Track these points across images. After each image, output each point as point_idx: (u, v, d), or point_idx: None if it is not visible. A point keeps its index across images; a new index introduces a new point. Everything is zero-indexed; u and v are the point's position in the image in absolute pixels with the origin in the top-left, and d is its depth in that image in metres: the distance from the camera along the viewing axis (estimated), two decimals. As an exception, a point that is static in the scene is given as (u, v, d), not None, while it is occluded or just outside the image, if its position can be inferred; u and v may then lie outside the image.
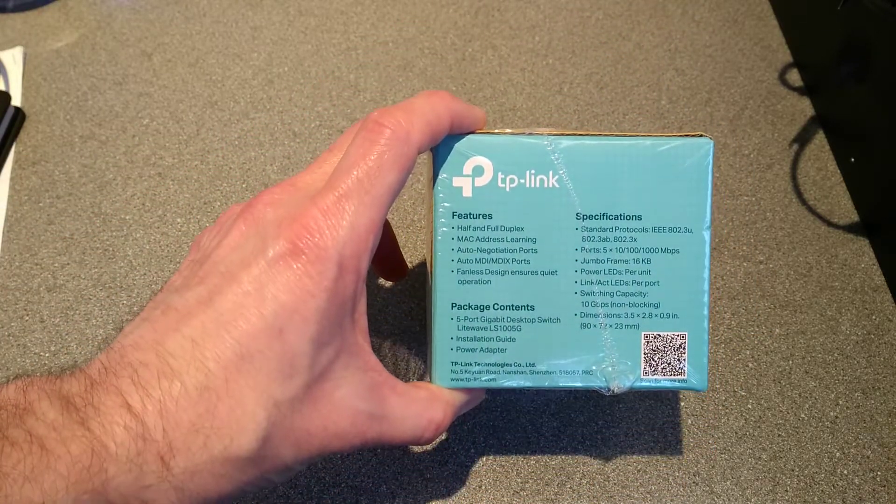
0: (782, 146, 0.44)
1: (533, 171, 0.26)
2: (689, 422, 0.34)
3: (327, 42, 0.49)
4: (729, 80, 0.47)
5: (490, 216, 0.26)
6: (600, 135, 0.26)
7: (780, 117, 0.46)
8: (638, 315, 0.26)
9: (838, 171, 0.43)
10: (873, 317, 0.38)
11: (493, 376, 0.26)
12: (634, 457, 0.33)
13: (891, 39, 0.38)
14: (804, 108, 0.46)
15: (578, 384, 0.26)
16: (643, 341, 0.26)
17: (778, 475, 0.33)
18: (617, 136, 0.26)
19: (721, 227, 0.41)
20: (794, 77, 0.47)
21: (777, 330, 0.37)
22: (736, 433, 0.34)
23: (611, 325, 0.26)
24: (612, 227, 0.26)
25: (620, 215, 0.26)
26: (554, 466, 0.33)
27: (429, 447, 0.33)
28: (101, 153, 0.43)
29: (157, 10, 0.50)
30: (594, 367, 0.26)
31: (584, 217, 0.26)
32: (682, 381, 0.26)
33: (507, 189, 0.26)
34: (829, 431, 0.34)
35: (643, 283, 0.26)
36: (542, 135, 0.26)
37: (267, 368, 0.21)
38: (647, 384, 0.26)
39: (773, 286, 0.39)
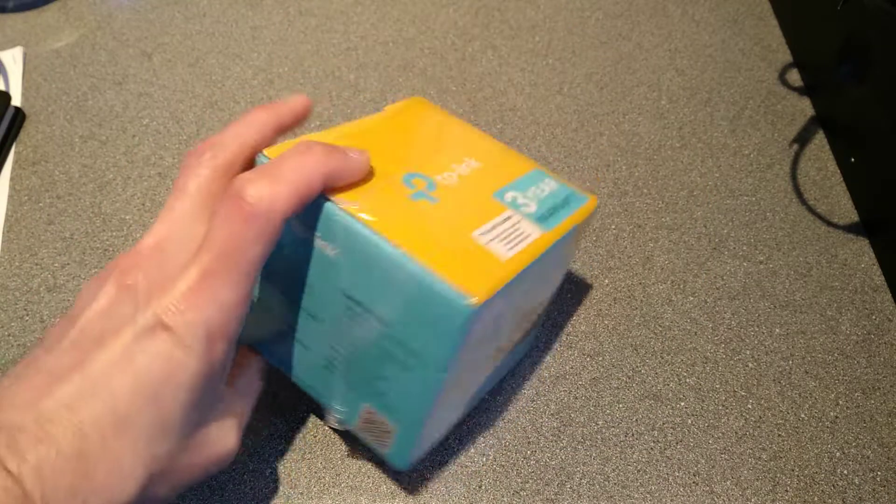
0: (782, 146, 0.44)
1: (320, 236, 0.25)
2: (689, 422, 0.34)
3: (327, 42, 0.49)
4: (729, 80, 0.47)
5: (282, 249, 0.26)
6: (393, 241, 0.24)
7: (780, 117, 0.46)
8: (365, 391, 0.27)
9: (838, 171, 0.43)
10: (873, 317, 0.38)
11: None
12: (634, 457, 0.33)
13: (891, 39, 0.38)
14: (804, 108, 0.46)
15: (312, 394, 0.29)
16: (363, 409, 0.27)
17: (778, 475, 0.33)
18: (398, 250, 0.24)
19: (721, 227, 0.41)
20: (794, 77, 0.47)
21: (777, 330, 0.37)
22: (736, 433, 0.34)
23: (345, 382, 0.27)
24: (367, 317, 0.25)
25: (374, 313, 0.25)
26: (554, 466, 0.33)
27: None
28: (101, 153, 0.43)
29: (157, 10, 0.50)
30: (327, 394, 0.28)
31: (347, 296, 0.25)
32: (385, 452, 0.28)
33: (301, 237, 0.26)
34: (829, 431, 0.34)
35: (377, 374, 0.26)
36: (335, 203, 0.25)
37: (143, 429, 0.21)
38: (359, 434, 0.28)
39: (773, 286, 0.39)
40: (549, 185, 0.31)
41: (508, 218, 0.28)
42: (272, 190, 0.22)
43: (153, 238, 0.24)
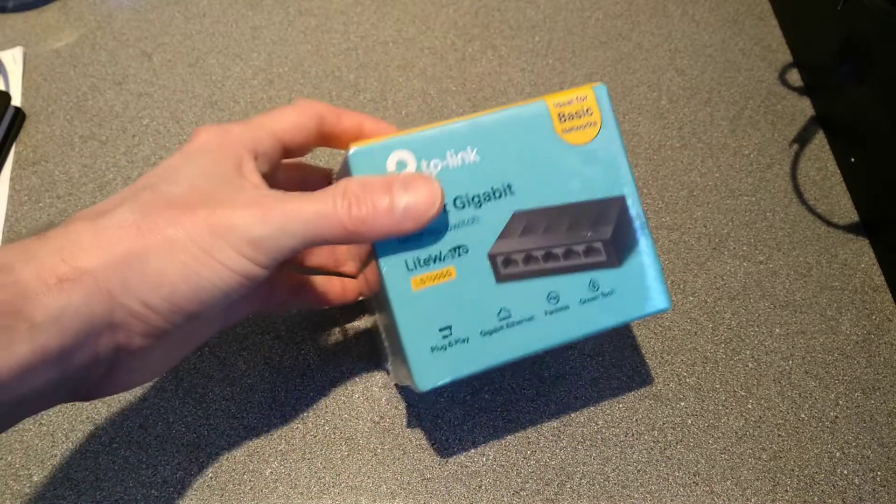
0: (782, 146, 0.44)
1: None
2: (689, 422, 0.34)
3: (327, 42, 0.49)
4: (729, 80, 0.47)
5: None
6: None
7: (780, 117, 0.46)
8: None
9: (838, 171, 0.43)
10: (873, 317, 0.38)
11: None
12: (634, 457, 0.33)
13: (891, 39, 0.38)
14: (804, 108, 0.46)
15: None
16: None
17: (778, 475, 0.33)
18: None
19: (721, 227, 0.41)
20: (794, 77, 0.47)
21: (777, 330, 0.37)
22: (736, 433, 0.34)
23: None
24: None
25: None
26: (554, 466, 0.33)
27: (428, 447, 0.33)
28: (101, 153, 0.43)
29: (157, 10, 0.50)
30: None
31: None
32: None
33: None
34: (829, 431, 0.34)
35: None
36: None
37: (154, 176, 0.25)
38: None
39: (773, 286, 0.39)
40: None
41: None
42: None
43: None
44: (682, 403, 0.35)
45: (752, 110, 0.46)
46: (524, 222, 0.27)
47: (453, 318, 0.26)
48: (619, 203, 0.28)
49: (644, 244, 0.28)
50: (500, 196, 0.27)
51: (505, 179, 0.27)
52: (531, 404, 0.35)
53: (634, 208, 0.28)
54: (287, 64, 0.47)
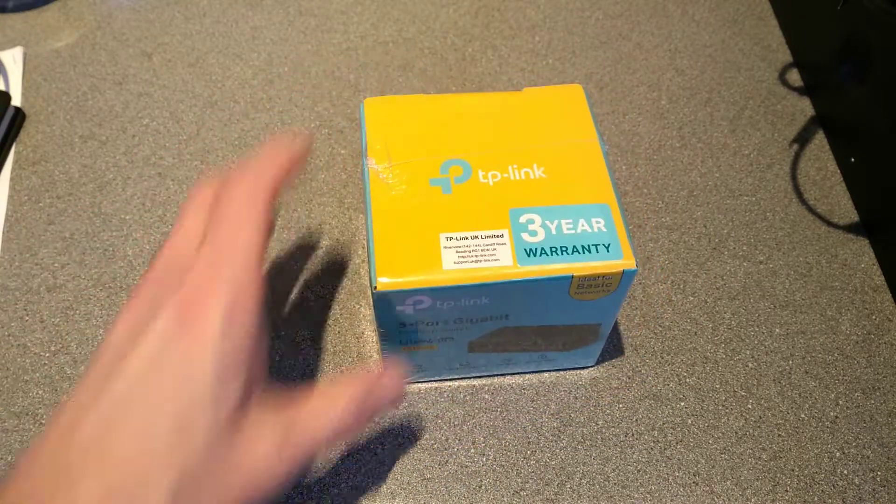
0: (782, 146, 0.44)
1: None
2: (689, 422, 0.34)
3: (327, 42, 0.49)
4: (729, 80, 0.47)
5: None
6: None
7: (780, 117, 0.46)
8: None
9: (838, 171, 0.43)
10: (873, 317, 0.38)
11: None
12: (634, 457, 0.33)
13: (891, 39, 0.38)
14: (804, 108, 0.46)
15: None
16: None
17: (778, 475, 0.33)
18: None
19: (721, 227, 0.41)
20: (794, 77, 0.47)
21: (777, 330, 0.37)
22: (736, 433, 0.34)
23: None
24: None
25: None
26: (554, 466, 0.33)
27: (428, 447, 0.33)
28: (101, 153, 0.43)
29: (157, 10, 0.50)
30: None
31: None
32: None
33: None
34: (829, 431, 0.34)
35: None
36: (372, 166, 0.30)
37: (166, 433, 0.21)
38: None
39: (773, 286, 0.39)
40: (595, 225, 0.29)
41: (495, 236, 0.28)
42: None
43: (161, 260, 0.25)
44: (682, 403, 0.35)
45: (752, 110, 0.46)
46: (509, 332, 0.31)
47: (426, 363, 0.33)
48: (593, 328, 0.32)
49: (598, 344, 0.33)
50: (495, 319, 0.30)
51: (505, 311, 0.29)
52: (531, 404, 0.35)
53: (605, 331, 0.32)
54: (287, 64, 0.47)
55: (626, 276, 0.28)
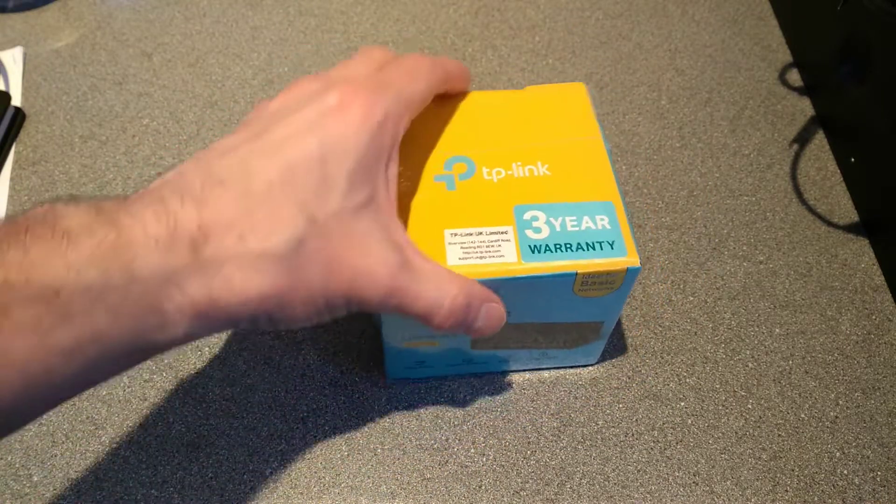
0: (782, 146, 0.44)
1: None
2: (689, 422, 0.34)
3: (327, 42, 0.49)
4: (729, 80, 0.47)
5: None
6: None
7: (780, 117, 0.46)
8: None
9: (838, 171, 0.43)
10: (873, 317, 0.38)
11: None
12: (634, 457, 0.33)
13: (891, 39, 0.38)
14: (804, 108, 0.46)
15: None
16: None
17: (778, 475, 0.33)
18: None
19: (721, 227, 0.41)
20: (794, 77, 0.47)
21: (777, 330, 0.37)
22: (736, 433, 0.34)
23: None
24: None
25: None
26: (554, 466, 0.33)
27: (428, 447, 0.33)
28: (101, 153, 0.43)
29: (157, 10, 0.50)
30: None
31: None
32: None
33: None
34: (829, 431, 0.34)
35: None
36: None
37: (306, 187, 0.22)
38: None
39: (773, 286, 0.39)
40: (599, 223, 0.29)
41: (500, 233, 0.28)
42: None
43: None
44: (682, 403, 0.35)
45: (752, 110, 0.46)
46: (510, 328, 0.31)
47: (428, 359, 0.33)
48: (595, 326, 0.32)
49: (600, 342, 0.33)
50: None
51: (508, 308, 0.29)
52: (531, 404, 0.35)
53: (607, 329, 0.32)
54: (287, 64, 0.47)
55: (629, 274, 0.28)
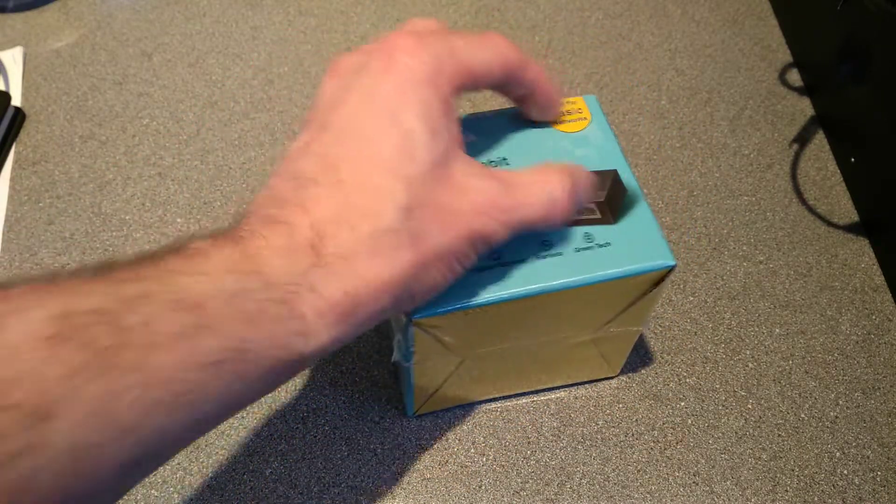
0: (782, 146, 0.44)
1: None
2: (689, 422, 0.34)
3: (327, 42, 0.49)
4: (729, 80, 0.47)
5: None
6: None
7: (780, 117, 0.46)
8: None
9: (838, 171, 0.43)
10: (873, 317, 0.38)
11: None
12: (634, 457, 0.33)
13: (891, 39, 0.38)
14: (804, 108, 0.46)
15: None
16: None
17: (778, 475, 0.33)
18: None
19: (721, 227, 0.41)
20: (794, 77, 0.47)
21: (777, 330, 0.37)
22: (736, 433, 0.34)
23: None
24: None
25: None
26: (554, 466, 0.33)
27: (428, 447, 0.33)
28: (101, 153, 0.43)
29: (157, 10, 0.50)
30: None
31: None
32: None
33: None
34: (829, 431, 0.34)
35: None
36: None
37: (389, 153, 0.22)
38: None
39: (773, 286, 0.39)
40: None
41: None
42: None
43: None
44: (682, 403, 0.35)
45: (752, 110, 0.46)
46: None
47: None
48: (612, 174, 0.29)
49: (641, 208, 0.29)
50: (495, 165, 0.29)
51: (501, 154, 0.29)
52: (531, 404, 0.35)
53: (628, 180, 0.29)
54: (287, 64, 0.47)
55: (590, 103, 0.31)
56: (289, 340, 0.20)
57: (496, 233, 0.23)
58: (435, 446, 0.34)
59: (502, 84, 0.26)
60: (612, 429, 0.34)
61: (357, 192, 0.21)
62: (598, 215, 0.28)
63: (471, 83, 0.24)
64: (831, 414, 0.35)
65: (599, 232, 0.28)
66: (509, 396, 0.35)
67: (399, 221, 0.21)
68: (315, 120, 0.24)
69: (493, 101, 0.46)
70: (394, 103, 0.22)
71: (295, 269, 0.20)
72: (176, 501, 0.32)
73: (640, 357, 0.36)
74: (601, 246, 0.27)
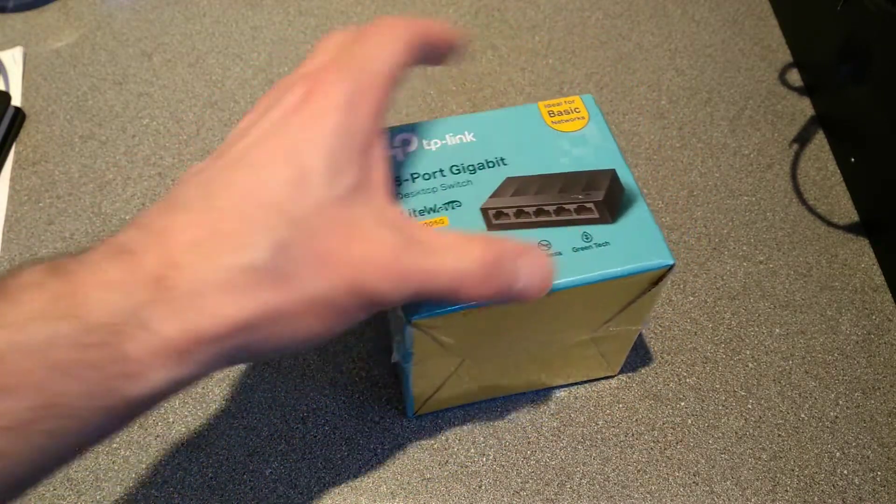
0: (782, 146, 0.44)
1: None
2: (689, 422, 0.34)
3: (327, 42, 0.49)
4: (729, 80, 0.47)
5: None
6: None
7: (780, 117, 0.46)
8: None
9: (838, 171, 0.43)
10: (873, 317, 0.38)
11: None
12: (634, 457, 0.33)
13: (891, 39, 0.38)
14: (804, 108, 0.46)
15: None
16: None
17: (778, 475, 0.33)
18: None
19: (721, 227, 0.41)
20: (794, 77, 0.47)
21: (777, 330, 0.37)
22: (736, 433, 0.34)
23: None
24: None
25: None
26: (554, 466, 0.33)
27: (428, 447, 0.33)
28: (101, 153, 0.43)
29: (157, 10, 0.50)
30: None
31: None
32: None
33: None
34: (829, 431, 0.34)
35: None
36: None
37: (278, 187, 0.20)
38: None
39: (773, 286, 0.39)
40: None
41: None
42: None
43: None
44: (682, 403, 0.35)
45: (752, 110, 0.46)
46: (516, 185, 0.29)
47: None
48: (610, 174, 0.29)
49: (639, 207, 0.29)
50: (493, 165, 0.29)
51: (499, 154, 0.30)
52: (531, 404, 0.35)
53: (626, 179, 0.29)
54: (287, 64, 0.47)
55: (587, 102, 0.31)
56: (111, 386, 0.18)
57: (387, 294, 0.21)
58: (435, 446, 0.34)
59: (416, 64, 0.24)
60: (612, 429, 0.34)
61: (229, 221, 0.19)
62: (595, 214, 0.28)
63: (392, 86, 0.23)
64: (831, 414, 0.35)
65: (598, 231, 0.28)
66: (509, 396, 0.35)
67: (268, 259, 0.19)
68: (216, 151, 0.22)
69: (493, 102, 0.46)
70: (297, 139, 0.21)
71: (125, 305, 0.18)
72: (176, 501, 0.32)
73: (639, 357, 0.36)
74: (600, 245, 0.27)
